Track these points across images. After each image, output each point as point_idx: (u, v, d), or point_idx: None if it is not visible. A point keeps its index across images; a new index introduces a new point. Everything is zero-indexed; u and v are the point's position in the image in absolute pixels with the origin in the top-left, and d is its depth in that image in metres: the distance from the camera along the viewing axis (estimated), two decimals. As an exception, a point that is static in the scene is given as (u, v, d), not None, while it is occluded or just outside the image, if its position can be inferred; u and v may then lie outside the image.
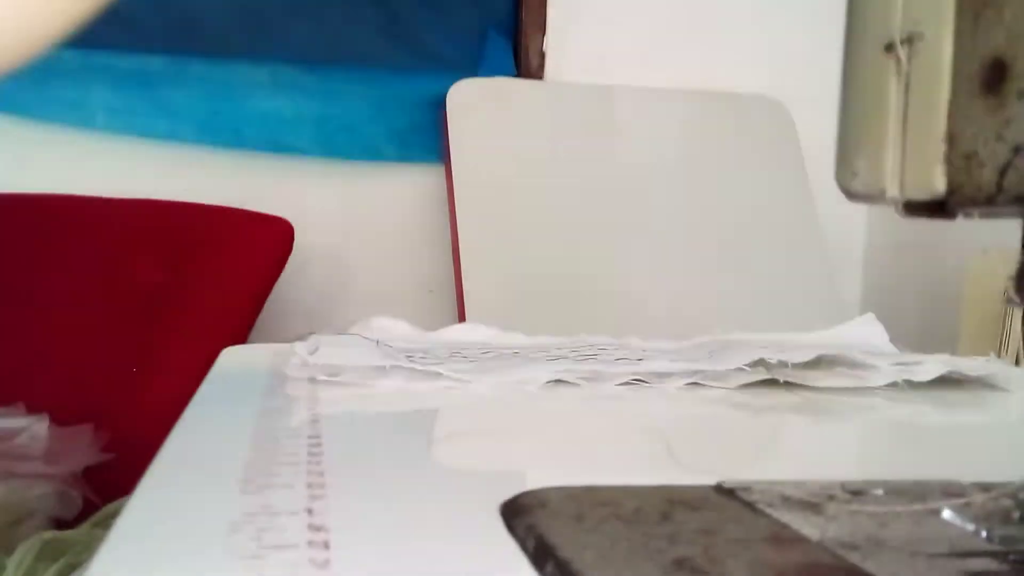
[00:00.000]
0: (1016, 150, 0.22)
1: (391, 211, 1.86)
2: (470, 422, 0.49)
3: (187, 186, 1.69)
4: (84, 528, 1.09)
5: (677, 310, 1.54)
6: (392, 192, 1.86)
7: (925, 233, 1.64)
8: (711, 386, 0.60)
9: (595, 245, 1.64)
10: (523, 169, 1.66)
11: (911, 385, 0.60)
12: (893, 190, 0.26)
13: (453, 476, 0.37)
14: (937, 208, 0.26)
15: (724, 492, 0.35)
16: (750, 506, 0.33)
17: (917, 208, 0.27)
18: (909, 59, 0.26)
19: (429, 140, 1.80)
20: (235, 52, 1.72)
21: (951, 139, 0.24)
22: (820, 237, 1.65)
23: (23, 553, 1.01)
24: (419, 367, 0.56)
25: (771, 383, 0.60)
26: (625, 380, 0.59)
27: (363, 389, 0.53)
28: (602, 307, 1.58)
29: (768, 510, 0.32)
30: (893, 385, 0.60)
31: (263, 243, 1.59)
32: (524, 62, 1.86)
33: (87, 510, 1.15)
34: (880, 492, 0.36)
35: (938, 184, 0.24)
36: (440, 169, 1.80)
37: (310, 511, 0.31)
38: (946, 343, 1.54)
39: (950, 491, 0.36)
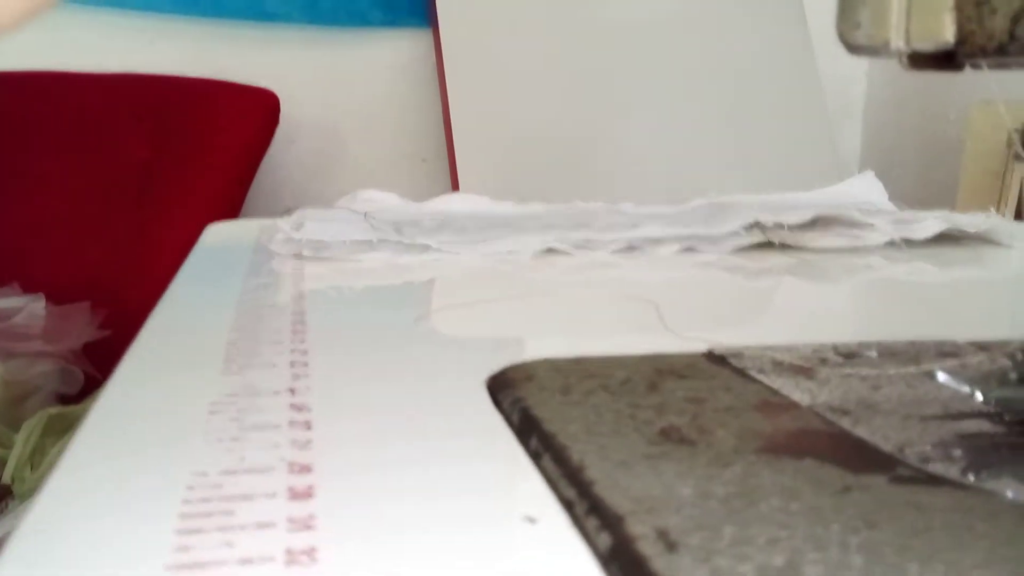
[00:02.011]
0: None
1: (379, 79, 1.80)
2: (458, 294, 0.48)
3: (166, 60, 1.64)
4: (88, 403, 1.10)
5: (676, 171, 1.52)
6: (380, 59, 1.80)
7: (926, 86, 1.60)
8: (706, 251, 0.59)
9: (591, 107, 1.60)
10: (514, 30, 1.60)
11: (909, 243, 0.59)
12: (898, 41, 0.24)
13: (439, 350, 0.36)
14: (944, 60, 0.25)
15: (715, 359, 0.34)
16: (741, 372, 0.32)
17: (923, 60, 0.25)
18: None
19: (417, 3, 1.74)
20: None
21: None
22: (820, 93, 1.61)
23: (30, 428, 1.02)
24: (406, 240, 0.55)
25: (768, 245, 0.59)
26: (618, 247, 0.58)
27: (350, 264, 0.52)
28: (600, 171, 1.56)
29: (759, 376, 0.32)
30: (891, 244, 0.59)
31: (249, 115, 1.55)
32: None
33: (90, 385, 1.16)
34: (874, 354, 0.35)
35: (947, 33, 0.23)
36: (429, 34, 1.74)
37: (292, 391, 0.30)
38: (946, 198, 1.52)
39: (946, 351, 0.36)
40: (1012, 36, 0.22)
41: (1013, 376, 0.28)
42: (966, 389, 0.27)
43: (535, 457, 0.25)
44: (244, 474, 0.24)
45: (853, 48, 0.27)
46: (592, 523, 0.21)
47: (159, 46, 1.71)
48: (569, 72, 1.61)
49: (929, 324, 0.46)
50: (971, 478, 0.24)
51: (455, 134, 1.54)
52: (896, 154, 1.78)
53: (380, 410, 0.29)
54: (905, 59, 0.26)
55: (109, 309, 1.26)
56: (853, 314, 0.49)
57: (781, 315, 0.47)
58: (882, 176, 0.76)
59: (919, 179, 1.65)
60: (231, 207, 1.49)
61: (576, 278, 0.53)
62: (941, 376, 0.28)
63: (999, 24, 0.21)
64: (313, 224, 0.58)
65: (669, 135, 1.57)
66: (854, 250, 0.59)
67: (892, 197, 0.74)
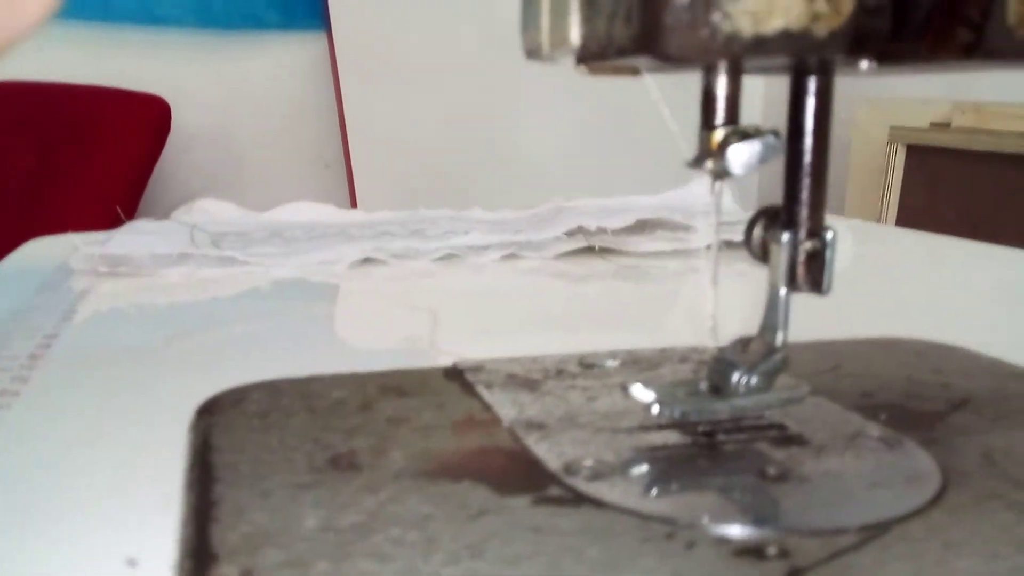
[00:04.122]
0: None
1: (277, 84, 1.78)
2: (235, 311, 0.47)
3: (54, 66, 1.59)
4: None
5: (568, 172, 1.52)
6: (277, 63, 1.77)
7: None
8: (530, 257, 0.58)
9: (488, 108, 1.60)
10: (408, 34, 1.59)
11: (731, 245, 0.59)
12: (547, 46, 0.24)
13: (172, 373, 0.35)
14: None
15: (452, 374, 0.33)
16: (468, 388, 0.32)
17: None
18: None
19: (314, 4, 1.72)
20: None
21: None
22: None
23: None
24: (211, 253, 0.53)
25: (596, 250, 0.59)
26: (439, 255, 0.57)
27: (149, 279, 0.51)
28: (495, 173, 1.56)
29: (483, 391, 0.31)
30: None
31: (138, 123, 1.52)
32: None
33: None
34: (615, 363, 0.35)
35: (573, 35, 0.22)
36: (324, 36, 1.72)
37: (-21, 423, 0.29)
38: (835, 193, 1.55)
39: (691, 357, 0.36)
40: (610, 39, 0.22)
41: (703, 386, 0.28)
42: (650, 400, 0.27)
43: (186, 489, 0.24)
44: None
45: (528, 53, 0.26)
46: (187, 565, 0.20)
47: (47, 52, 1.66)
48: (466, 72, 1.60)
49: (728, 327, 0.46)
50: (653, 493, 0.24)
51: (350, 138, 1.53)
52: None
53: (69, 437, 0.28)
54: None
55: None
56: (646, 318, 0.49)
57: (567, 322, 0.46)
58: (774, 176, 0.77)
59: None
60: (118, 218, 1.46)
61: (384, 288, 0.52)
62: (634, 388, 0.28)
63: (603, 27, 0.21)
64: (121, 237, 0.56)
65: (561, 137, 1.58)
66: (680, 253, 0.59)
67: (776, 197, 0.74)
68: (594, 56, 0.22)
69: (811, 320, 0.43)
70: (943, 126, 1.38)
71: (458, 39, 1.60)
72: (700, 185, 0.74)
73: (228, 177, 1.79)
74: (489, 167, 1.55)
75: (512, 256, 0.58)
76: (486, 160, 1.56)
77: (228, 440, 0.27)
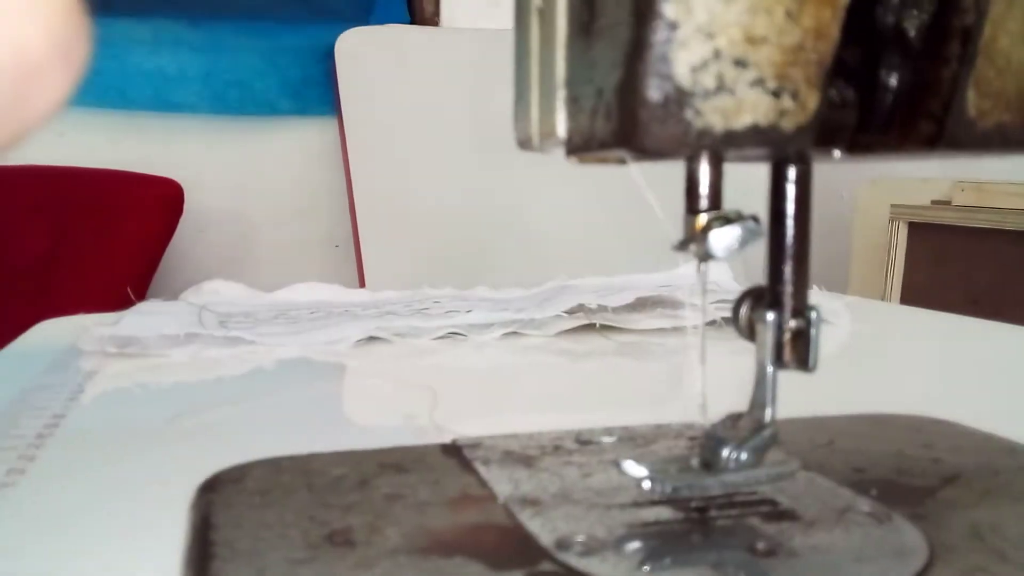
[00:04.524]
0: (599, 93, 0.21)
1: (288, 166, 1.82)
2: (239, 390, 0.47)
3: (74, 151, 1.63)
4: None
5: (577, 253, 1.54)
6: (289, 148, 1.82)
7: (818, 168, 1.66)
8: (531, 335, 0.59)
9: (495, 193, 1.63)
10: (418, 119, 1.63)
11: (728, 322, 0.60)
12: (536, 137, 0.25)
13: (177, 450, 0.36)
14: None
15: (450, 450, 0.34)
16: (466, 464, 0.32)
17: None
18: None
19: (325, 92, 1.76)
20: (114, 10, 1.65)
21: (569, 83, 0.23)
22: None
23: None
24: (218, 333, 0.54)
25: (598, 328, 0.60)
26: (441, 334, 0.58)
27: (156, 359, 0.52)
28: (504, 254, 1.57)
29: (480, 468, 0.32)
30: (713, 323, 0.60)
31: (151, 206, 1.55)
32: (418, 8, 1.81)
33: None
34: (611, 439, 0.35)
35: (560, 129, 0.24)
36: (335, 121, 1.76)
37: (-15, 501, 0.29)
38: (839, 271, 1.56)
39: (685, 433, 0.36)
40: (592, 133, 0.23)
41: (695, 462, 0.28)
42: (641, 476, 0.27)
43: (185, 567, 0.25)
44: None
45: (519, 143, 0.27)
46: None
47: (68, 138, 1.70)
48: (474, 159, 1.63)
49: (720, 404, 0.47)
50: (645, 568, 0.24)
51: (359, 222, 1.55)
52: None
53: (71, 515, 0.29)
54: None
55: None
56: (644, 395, 0.49)
57: (566, 399, 0.47)
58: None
59: (816, 253, 1.68)
60: (129, 299, 1.48)
61: (386, 366, 0.53)
62: (627, 464, 0.28)
63: (584, 121, 0.22)
64: (131, 318, 0.57)
65: (566, 216, 1.60)
66: (680, 330, 0.60)
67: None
68: (579, 148, 0.23)
69: (808, 397, 0.44)
70: (944, 204, 1.40)
71: (462, 125, 1.63)
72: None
73: (240, 257, 1.82)
74: (495, 247, 1.57)
75: (514, 334, 0.59)
76: (492, 240, 1.58)
77: (227, 517, 0.27)
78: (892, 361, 0.59)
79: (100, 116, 1.70)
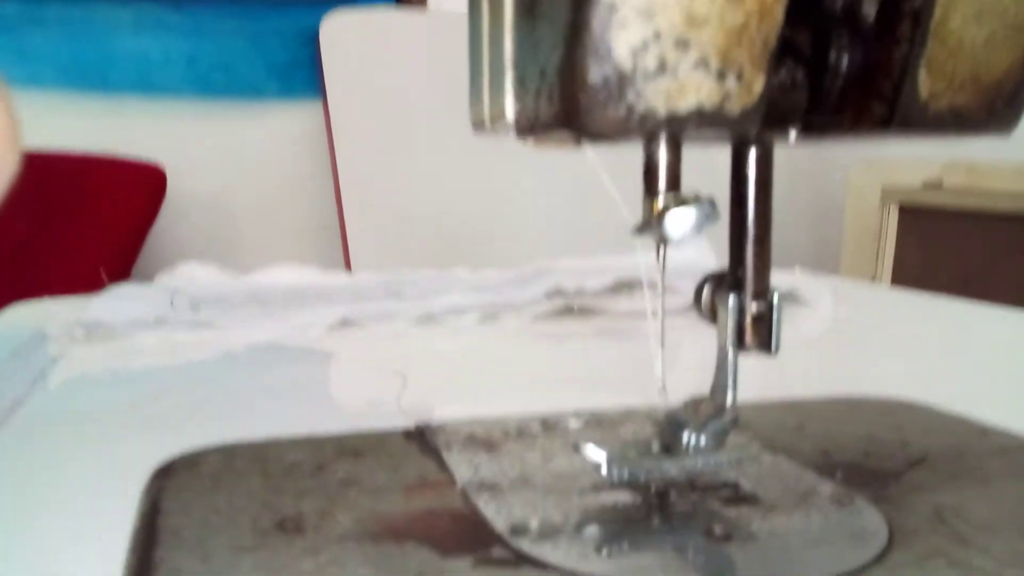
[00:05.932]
0: (542, 74, 0.20)
1: (274, 150, 1.80)
2: (205, 374, 0.47)
3: (54, 135, 1.61)
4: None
5: (570, 235, 1.53)
6: (275, 131, 1.80)
7: (813, 150, 1.65)
8: (508, 318, 0.58)
9: (480, 178, 1.62)
10: (403, 102, 1.62)
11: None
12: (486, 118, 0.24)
13: (136, 435, 0.35)
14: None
15: (412, 436, 0.33)
16: (428, 449, 0.32)
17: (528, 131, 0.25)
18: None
19: (311, 75, 1.75)
20: (94, -8, 1.63)
21: (516, 64, 0.22)
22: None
23: None
24: (189, 317, 0.53)
25: (577, 310, 0.59)
26: (416, 317, 0.57)
27: (124, 343, 0.51)
28: (489, 235, 1.57)
29: (443, 453, 0.31)
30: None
31: (133, 190, 1.53)
32: (405, -11, 1.80)
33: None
34: (578, 423, 0.35)
35: (508, 111, 0.23)
36: (321, 104, 1.75)
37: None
38: (831, 254, 1.56)
39: (655, 417, 0.36)
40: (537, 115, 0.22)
41: (656, 446, 0.27)
42: (601, 461, 0.27)
43: (129, 553, 0.24)
44: None
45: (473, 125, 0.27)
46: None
47: (49, 122, 1.69)
48: (459, 144, 1.62)
49: (691, 386, 0.46)
50: (596, 553, 0.24)
51: (344, 207, 1.54)
52: (786, 214, 1.82)
53: (22, 502, 0.28)
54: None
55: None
56: (618, 378, 0.48)
57: (539, 383, 0.46)
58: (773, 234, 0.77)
59: (808, 236, 1.68)
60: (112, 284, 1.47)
61: (359, 350, 0.52)
62: (586, 448, 0.27)
63: (530, 103, 0.21)
64: (101, 302, 0.56)
65: (550, 199, 1.59)
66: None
67: (780, 257, 0.74)
68: (525, 130, 0.23)
69: (782, 380, 0.43)
70: (935, 185, 1.39)
71: (448, 108, 1.62)
72: (689, 248, 0.74)
73: (225, 241, 1.81)
74: (480, 230, 1.56)
75: (491, 317, 0.58)
76: (477, 223, 1.57)
77: (177, 503, 0.27)
78: (873, 343, 0.58)
79: (82, 100, 1.68)
